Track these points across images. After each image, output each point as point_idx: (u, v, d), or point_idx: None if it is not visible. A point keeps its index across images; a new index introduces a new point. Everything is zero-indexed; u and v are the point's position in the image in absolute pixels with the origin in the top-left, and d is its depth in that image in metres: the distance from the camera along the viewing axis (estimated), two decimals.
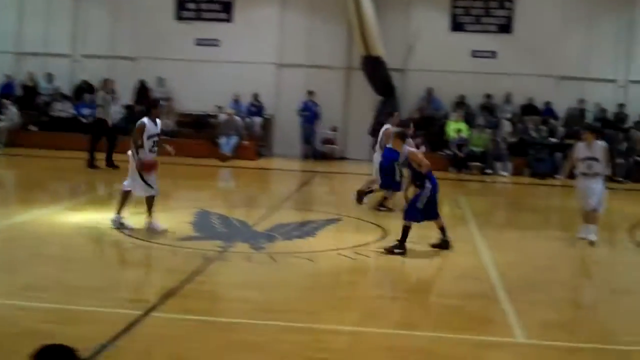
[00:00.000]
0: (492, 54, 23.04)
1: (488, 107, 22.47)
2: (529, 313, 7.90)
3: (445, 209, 15.61)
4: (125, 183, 10.91)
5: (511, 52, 22.82)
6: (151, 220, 10.84)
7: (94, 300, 7.48)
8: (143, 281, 9.05)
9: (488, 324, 7.73)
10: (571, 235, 11.89)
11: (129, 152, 10.83)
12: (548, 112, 22.47)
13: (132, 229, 10.70)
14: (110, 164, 17.90)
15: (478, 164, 20.87)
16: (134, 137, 10.78)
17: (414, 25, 22.69)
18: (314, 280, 9.12)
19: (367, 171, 15.68)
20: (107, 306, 7.27)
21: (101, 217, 11.37)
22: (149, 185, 10.75)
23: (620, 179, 20.09)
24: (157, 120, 11.05)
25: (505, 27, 23.13)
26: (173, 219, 11.70)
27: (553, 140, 21.41)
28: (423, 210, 10.21)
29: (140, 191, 10.83)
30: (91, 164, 17.95)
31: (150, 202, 10.83)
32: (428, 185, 10.19)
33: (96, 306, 7.26)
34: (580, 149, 11.57)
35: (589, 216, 11.55)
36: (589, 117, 22.35)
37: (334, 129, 23.10)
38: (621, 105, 22.61)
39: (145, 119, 10.84)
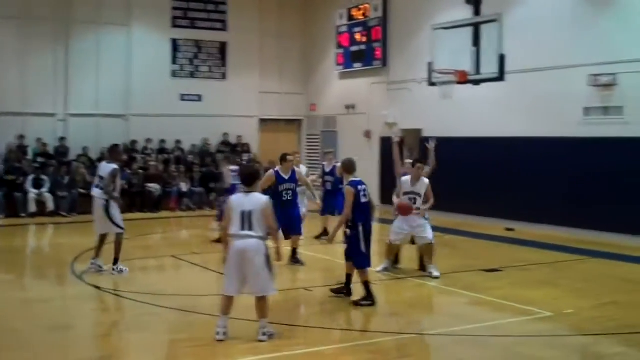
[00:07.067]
0: None
1: None
2: None
3: None
4: None
5: None
6: None
7: None
8: None
9: None
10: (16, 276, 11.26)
11: None
12: None
13: None
14: None
15: None
16: None
17: None
18: None
19: None
20: None
21: None
22: None
23: (65, 214, 20.16)
24: None
25: None
26: None
27: None
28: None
29: None
30: None
31: None
32: None
33: None
34: (405, 184, 11.86)
35: (426, 249, 11.94)
36: (31, 152, 22.02)
37: None
38: (62, 139, 22.76)
39: None
